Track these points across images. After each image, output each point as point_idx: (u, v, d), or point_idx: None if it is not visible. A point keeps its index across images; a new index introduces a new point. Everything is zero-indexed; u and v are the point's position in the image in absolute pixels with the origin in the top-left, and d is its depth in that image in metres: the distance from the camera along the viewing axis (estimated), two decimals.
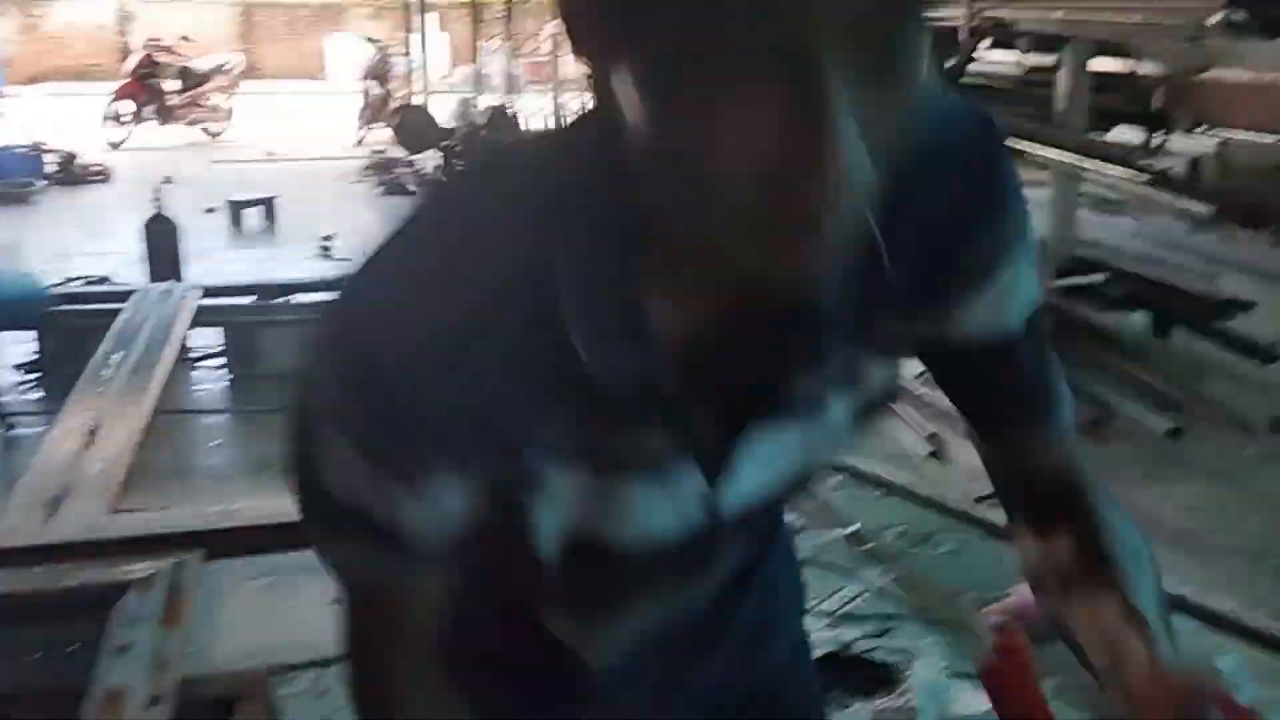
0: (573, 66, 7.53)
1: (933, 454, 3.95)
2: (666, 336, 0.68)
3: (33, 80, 19.71)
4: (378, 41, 14.77)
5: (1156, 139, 7.45)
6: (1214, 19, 4.11)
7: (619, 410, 0.70)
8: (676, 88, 0.53)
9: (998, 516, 2.27)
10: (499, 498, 0.73)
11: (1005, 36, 5.82)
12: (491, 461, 0.70)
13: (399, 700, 0.80)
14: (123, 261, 6.59)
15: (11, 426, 4.38)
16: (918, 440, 4.01)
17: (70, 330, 4.83)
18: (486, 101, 12.55)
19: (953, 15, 5.50)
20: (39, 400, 4.63)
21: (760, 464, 0.77)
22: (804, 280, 0.61)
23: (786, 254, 0.57)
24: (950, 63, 5.58)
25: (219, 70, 13.97)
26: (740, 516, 0.79)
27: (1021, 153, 4.51)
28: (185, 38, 14.72)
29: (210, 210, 8.50)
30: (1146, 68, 6.87)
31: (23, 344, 4.97)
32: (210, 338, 5.10)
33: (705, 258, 0.62)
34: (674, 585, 0.85)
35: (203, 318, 4.91)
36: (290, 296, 5.44)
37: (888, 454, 3.84)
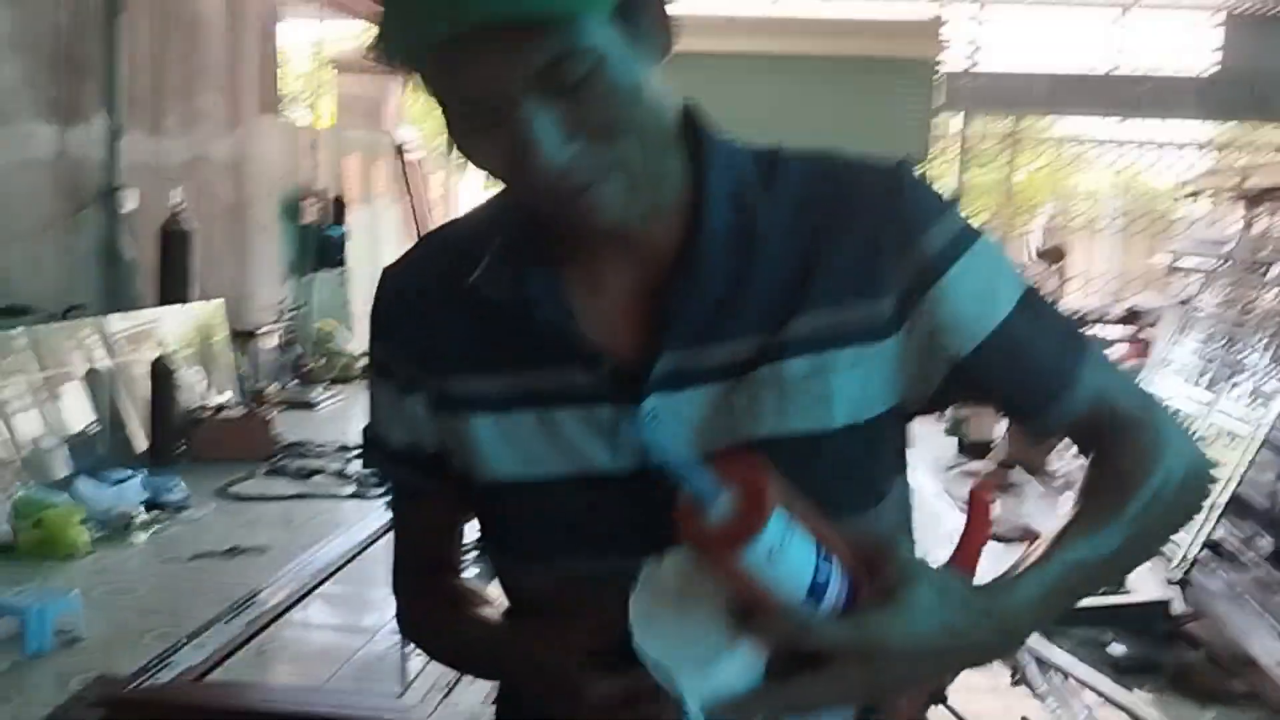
0: None
1: None
2: (569, 285, 0.92)
3: None
4: None
5: None
6: None
7: (540, 347, 0.91)
8: (462, 142, 0.86)
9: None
10: (445, 422, 0.97)
11: None
12: (438, 378, 0.96)
13: (399, 596, 1.09)
14: None
15: None
16: None
17: None
18: None
19: None
20: None
21: (684, 418, 0.90)
22: (606, 228, 0.85)
23: (578, 217, 0.85)
24: None
25: None
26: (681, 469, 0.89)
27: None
28: None
29: None
30: None
31: None
32: None
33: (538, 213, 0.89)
34: (606, 539, 0.91)
35: None
36: None
37: None
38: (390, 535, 1.11)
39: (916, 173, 0.95)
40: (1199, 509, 0.96)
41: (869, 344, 0.91)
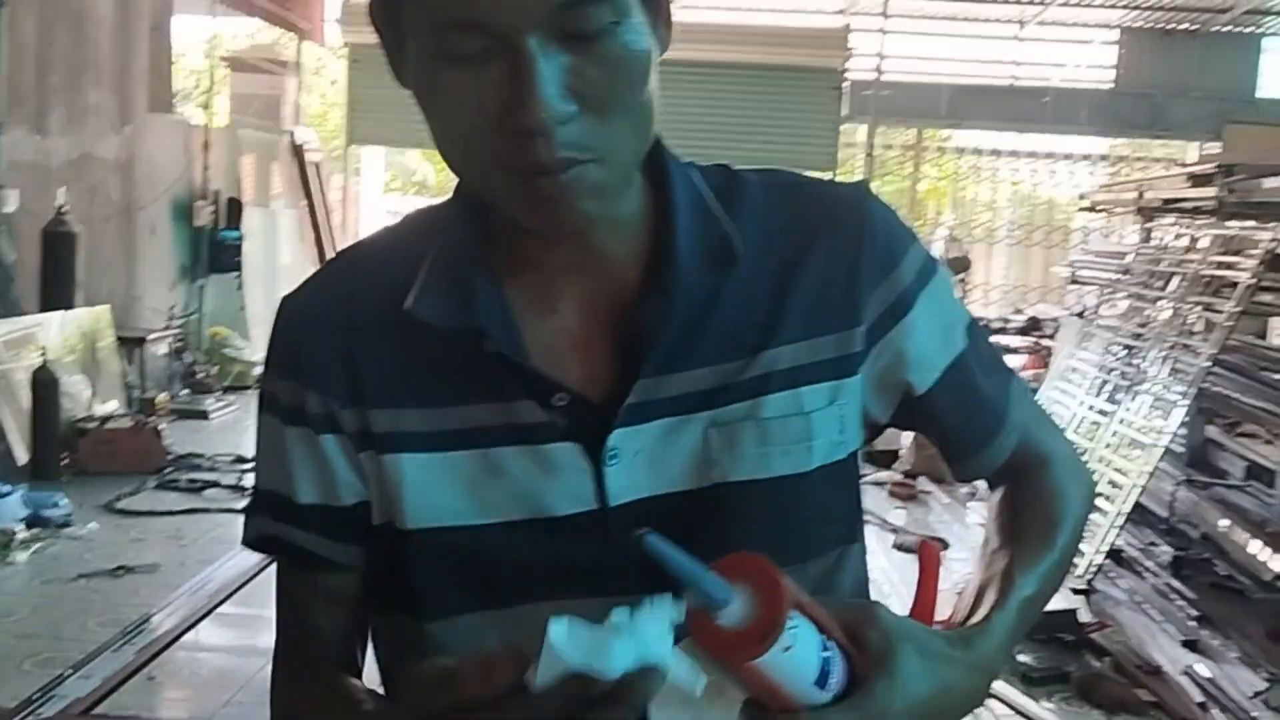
0: None
1: None
2: (517, 308, 0.83)
3: None
4: None
5: None
6: None
7: (482, 378, 0.82)
8: (433, 82, 0.74)
9: None
10: (369, 464, 0.85)
11: None
12: (353, 409, 0.85)
13: (279, 703, 0.93)
14: None
15: None
16: None
17: None
18: None
19: None
20: None
21: (647, 455, 0.83)
22: (566, 225, 0.77)
23: (542, 202, 0.75)
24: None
25: None
26: (639, 515, 0.82)
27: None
28: None
29: None
30: None
31: None
32: None
33: (512, 223, 0.79)
34: (573, 584, 0.83)
35: None
36: None
37: None
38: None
39: (878, 197, 0.92)
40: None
41: (843, 379, 0.87)
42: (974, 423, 0.94)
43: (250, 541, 0.92)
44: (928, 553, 0.89)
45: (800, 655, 0.70)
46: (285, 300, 0.91)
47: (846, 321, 0.87)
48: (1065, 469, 0.97)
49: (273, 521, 0.90)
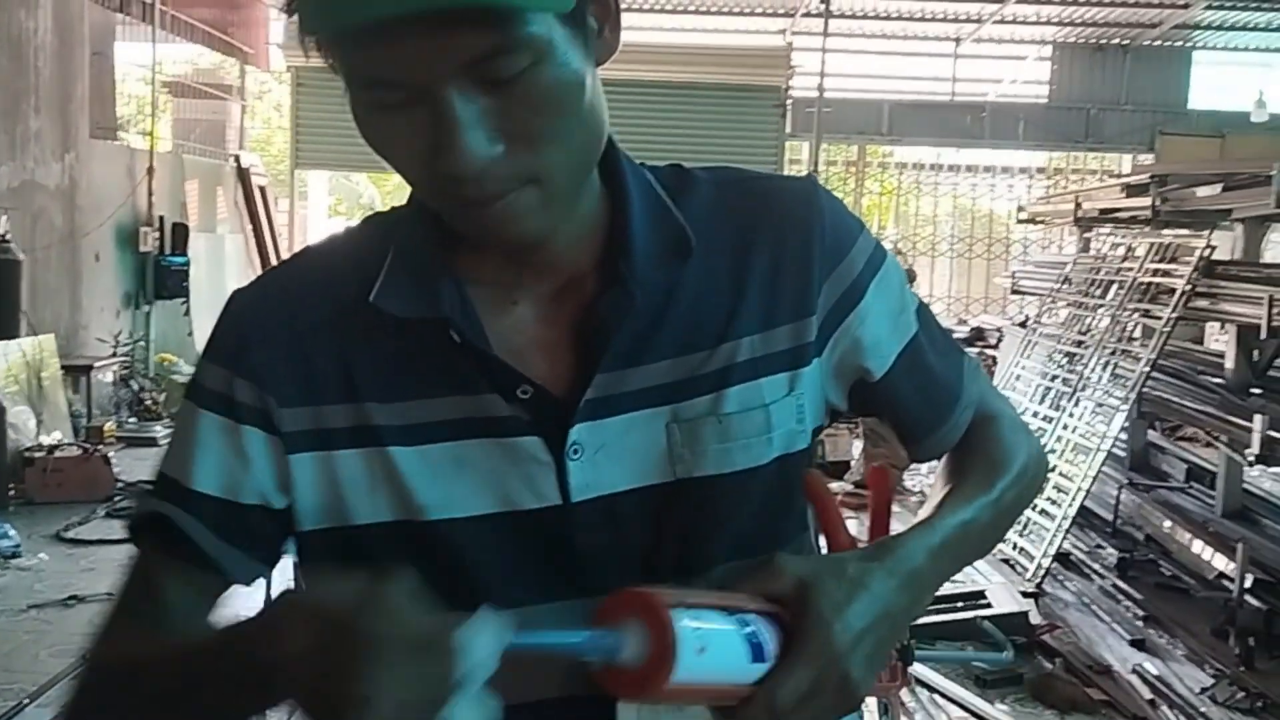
0: None
1: None
2: (479, 305, 0.83)
3: None
4: None
5: None
6: None
7: (445, 371, 0.82)
8: (366, 123, 0.76)
9: None
10: (309, 462, 0.83)
11: None
12: (303, 408, 0.83)
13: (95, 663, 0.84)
14: None
15: None
16: None
17: None
18: None
19: (1254, 314, 5.11)
20: None
21: (610, 450, 0.83)
22: (515, 241, 0.78)
23: (484, 224, 0.77)
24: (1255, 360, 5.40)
25: None
26: (603, 513, 0.82)
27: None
28: None
29: None
30: None
31: None
32: None
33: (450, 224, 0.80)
34: (532, 581, 0.82)
35: None
36: None
37: None
38: None
39: (826, 188, 0.94)
40: (1039, 494, 1.05)
41: (799, 369, 0.88)
42: (930, 403, 0.95)
43: (131, 522, 0.87)
44: (876, 475, 0.91)
45: (718, 648, 0.71)
46: (236, 293, 0.89)
47: (800, 311, 0.87)
48: (1011, 427, 0.99)
49: (160, 502, 0.85)
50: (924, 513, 0.89)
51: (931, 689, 4.07)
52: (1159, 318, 5.75)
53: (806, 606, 0.74)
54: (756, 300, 0.87)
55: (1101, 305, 6.52)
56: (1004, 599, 4.79)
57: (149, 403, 8.98)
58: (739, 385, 0.85)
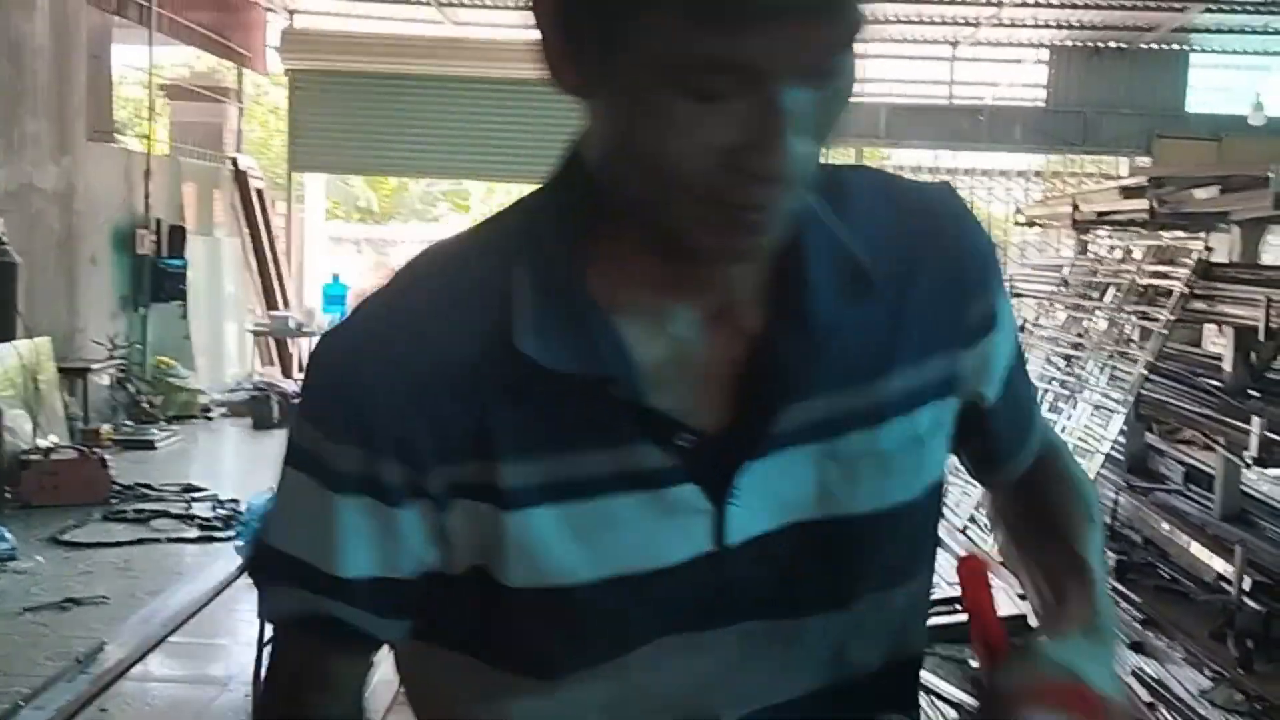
0: None
1: None
2: (632, 340, 0.74)
3: None
4: None
5: None
6: None
7: (599, 423, 0.74)
8: (653, 107, 0.66)
9: None
10: (461, 524, 0.76)
11: None
12: (444, 467, 0.75)
13: None
14: None
15: None
16: None
17: None
18: None
19: (1251, 316, 5.12)
20: None
21: (765, 490, 0.77)
22: (746, 255, 0.72)
23: (738, 232, 0.69)
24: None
25: None
26: (755, 553, 0.78)
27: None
28: None
29: None
30: None
31: None
32: None
33: (668, 244, 0.72)
34: (682, 634, 0.78)
35: None
36: None
37: None
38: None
39: (960, 196, 0.89)
40: None
41: (944, 399, 0.83)
42: (1017, 427, 0.91)
43: (277, 617, 0.82)
44: (970, 569, 0.82)
45: None
46: (331, 343, 0.78)
47: (953, 340, 0.82)
48: (1069, 456, 0.99)
49: (309, 595, 0.78)
50: (1051, 562, 0.90)
51: (929, 691, 4.07)
52: (1157, 320, 5.75)
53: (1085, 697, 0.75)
54: (913, 330, 0.81)
55: (1099, 308, 6.52)
56: (1003, 602, 4.77)
57: (145, 406, 8.97)
58: (895, 419, 0.80)
